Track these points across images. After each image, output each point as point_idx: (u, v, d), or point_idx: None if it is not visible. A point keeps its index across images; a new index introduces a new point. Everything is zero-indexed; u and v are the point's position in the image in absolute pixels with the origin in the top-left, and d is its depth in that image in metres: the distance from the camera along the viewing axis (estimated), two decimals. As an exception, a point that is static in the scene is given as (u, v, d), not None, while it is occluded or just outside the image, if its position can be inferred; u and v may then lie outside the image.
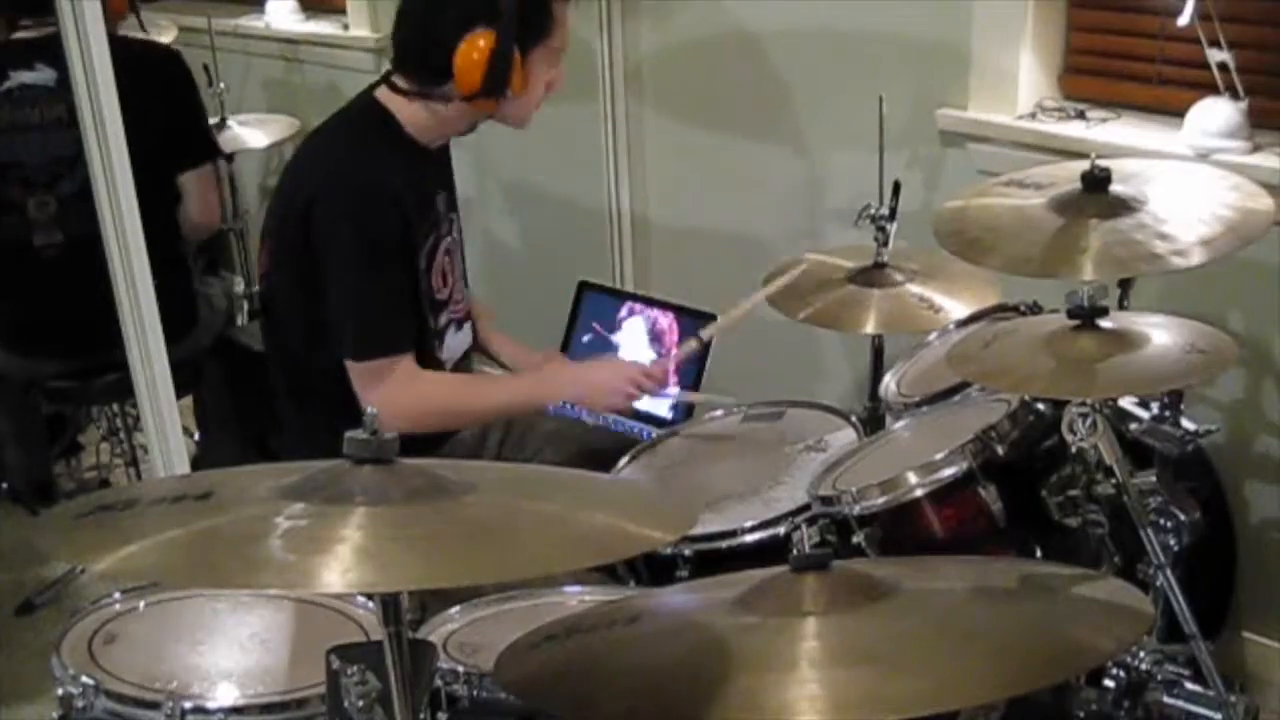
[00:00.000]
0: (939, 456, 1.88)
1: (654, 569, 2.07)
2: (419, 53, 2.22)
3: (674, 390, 2.45)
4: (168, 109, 2.90)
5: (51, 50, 2.76)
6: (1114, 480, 1.71)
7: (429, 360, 2.33)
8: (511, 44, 2.14)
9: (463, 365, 2.45)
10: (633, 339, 2.77)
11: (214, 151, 3.17)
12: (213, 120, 3.49)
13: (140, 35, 3.22)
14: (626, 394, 2.32)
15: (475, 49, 2.13)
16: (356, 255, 2.18)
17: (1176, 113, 2.52)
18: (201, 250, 3.57)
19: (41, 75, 2.84)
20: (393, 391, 2.18)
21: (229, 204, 3.75)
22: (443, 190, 2.36)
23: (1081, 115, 2.65)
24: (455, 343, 2.41)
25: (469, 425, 2.42)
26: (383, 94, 2.27)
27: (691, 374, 2.64)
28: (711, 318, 2.66)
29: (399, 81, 2.25)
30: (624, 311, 2.80)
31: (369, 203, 2.17)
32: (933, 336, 2.35)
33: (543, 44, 2.21)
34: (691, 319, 2.69)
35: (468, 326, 2.45)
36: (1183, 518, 1.78)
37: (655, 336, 2.76)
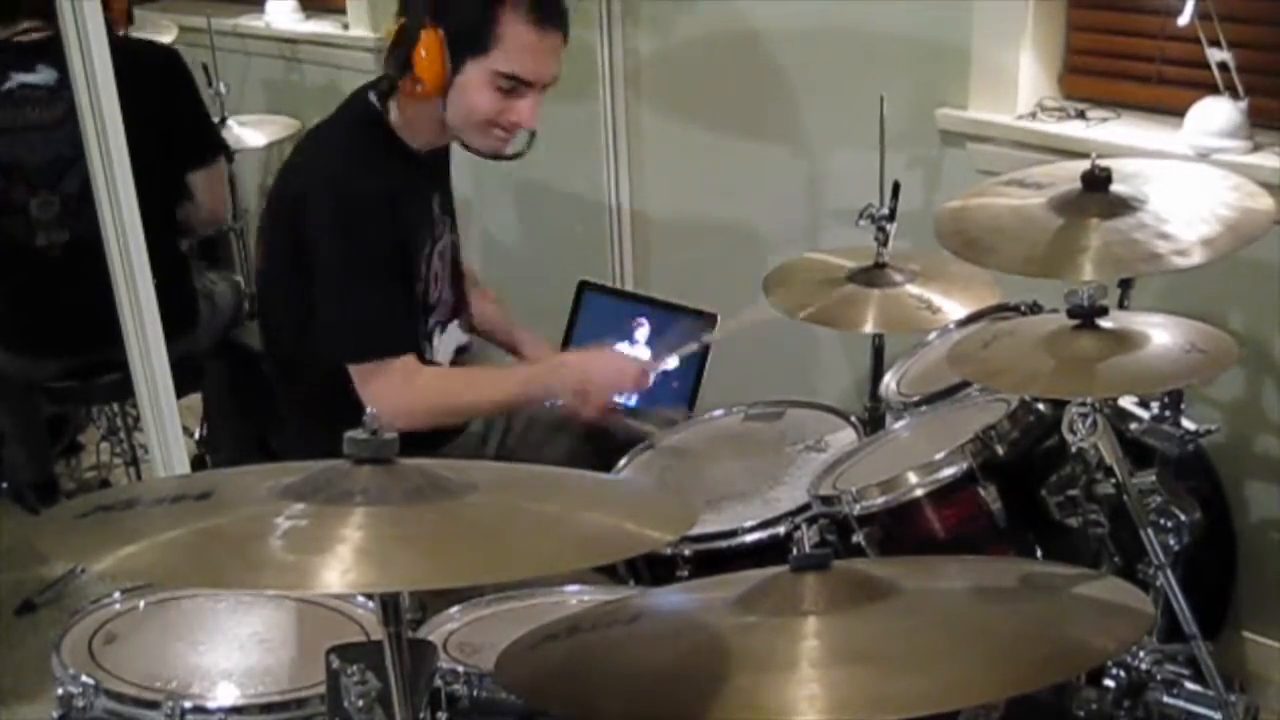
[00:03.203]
0: (939, 456, 1.88)
1: (654, 569, 2.07)
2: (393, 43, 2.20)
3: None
4: (172, 110, 2.91)
5: (53, 51, 2.77)
6: (1114, 480, 1.71)
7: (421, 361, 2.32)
8: (426, 32, 2.10)
9: (457, 363, 2.45)
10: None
11: (220, 148, 3.17)
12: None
13: (140, 36, 3.21)
14: (626, 388, 2.33)
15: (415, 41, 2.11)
16: (346, 261, 2.17)
17: (1176, 113, 2.52)
18: (203, 248, 3.57)
19: (43, 76, 2.84)
20: (393, 391, 2.18)
21: (229, 203, 3.74)
22: (436, 193, 2.35)
23: (1081, 115, 2.65)
24: (443, 344, 2.41)
25: (469, 419, 2.42)
26: (375, 95, 2.26)
27: (691, 380, 2.64)
28: (712, 318, 2.67)
29: (383, 81, 2.24)
30: (633, 318, 2.78)
31: (359, 208, 2.16)
32: (933, 336, 2.35)
33: (479, 58, 2.13)
34: (692, 319, 2.69)
35: (453, 325, 2.45)
36: (1183, 518, 1.78)
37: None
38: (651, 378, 2.35)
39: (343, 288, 2.18)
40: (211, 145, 3.12)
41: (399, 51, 2.15)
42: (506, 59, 2.14)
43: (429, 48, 2.11)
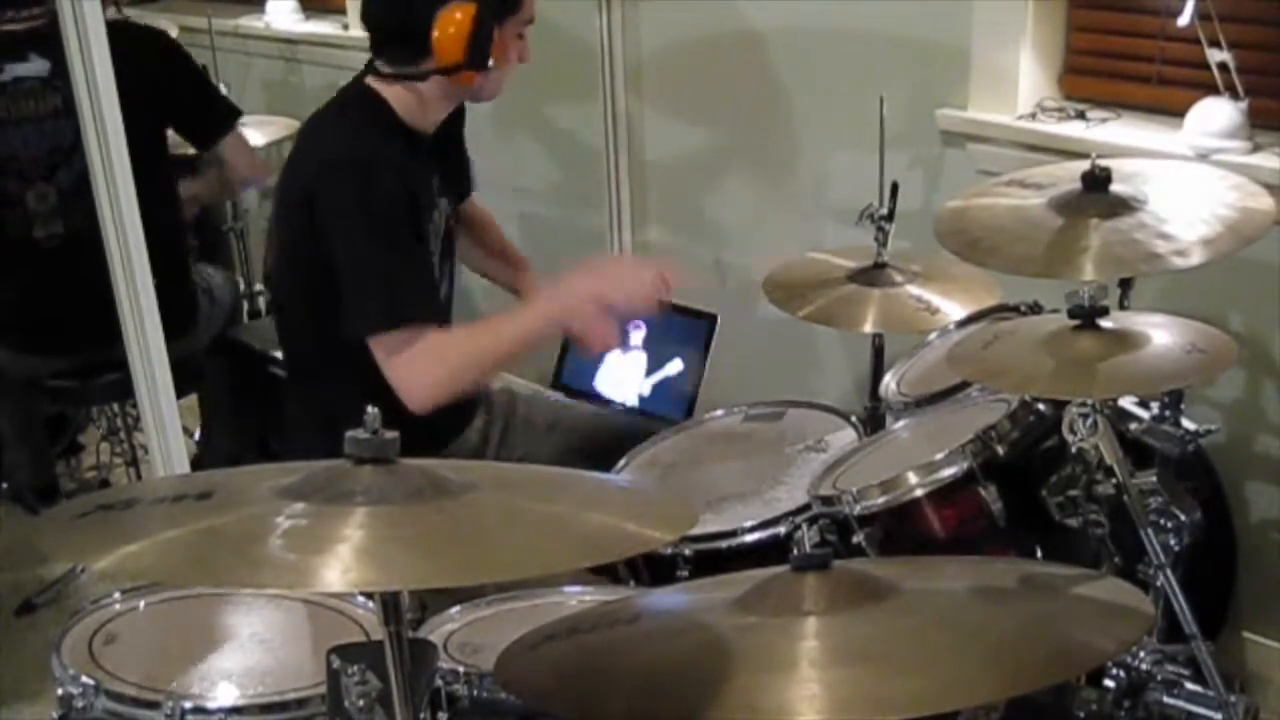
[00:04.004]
0: (939, 456, 1.89)
1: (654, 569, 2.07)
2: (394, 30, 2.23)
3: None
4: (173, 92, 2.91)
5: (44, 41, 2.77)
6: (1114, 480, 1.71)
7: None
8: (490, 15, 2.16)
9: None
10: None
11: (236, 112, 3.16)
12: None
13: (128, 21, 3.20)
14: (646, 294, 2.23)
15: (453, 22, 2.14)
16: (367, 230, 2.15)
17: (1176, 113, 2.52)
18: (203, 248, 3.57)
19: (35, 66, 2.83)
20: (421, 360, 2.13)
21: (228, 204, 3.74)
22: (436, 174, 2.35)
23: (1081, 115, 2.65)
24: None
25: (501, 370, 2.43)
26: (371, 81, 2.27)
27: (689, 385, 2.64)
28: (712, 318, 2.67)
29: (380, 67, 2.25)
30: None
31: (372, 178, 2.15)
32: (934, 336, 2.35)
33: (515, 15, 2.23)
34: (692, 319, 2.69)
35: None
36: (1183, 518, 1.78)
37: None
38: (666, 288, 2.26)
39: (365, 258, 2.15)
40: (227, 111, 3.12)
41: (470, 45, 2.16)
42: (528, 7, 2.26)
43: (488, 29, 2.17)
